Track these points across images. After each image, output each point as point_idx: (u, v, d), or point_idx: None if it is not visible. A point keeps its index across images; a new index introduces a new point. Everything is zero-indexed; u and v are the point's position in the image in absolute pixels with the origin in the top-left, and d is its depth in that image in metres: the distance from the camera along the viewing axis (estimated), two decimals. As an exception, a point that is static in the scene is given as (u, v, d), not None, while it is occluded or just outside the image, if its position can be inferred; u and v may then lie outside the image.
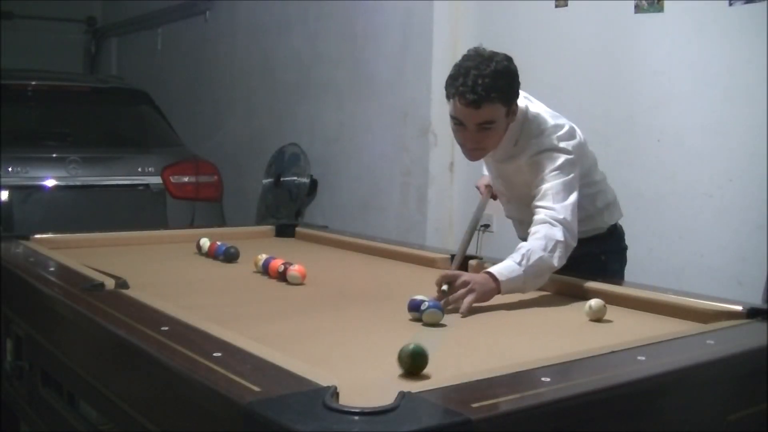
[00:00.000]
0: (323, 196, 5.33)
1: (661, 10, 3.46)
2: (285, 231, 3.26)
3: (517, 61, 2.25)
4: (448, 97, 2.18)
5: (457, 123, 2.18)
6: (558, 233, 2.09)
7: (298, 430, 1.04)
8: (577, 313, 2.02)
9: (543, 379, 1.30)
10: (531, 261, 2.04)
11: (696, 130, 3.38)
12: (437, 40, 4.32)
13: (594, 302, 1.91)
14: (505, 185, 2.51)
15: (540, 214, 2.14)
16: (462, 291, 1.96)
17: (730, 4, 3.22)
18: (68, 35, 8.62)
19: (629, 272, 3.16)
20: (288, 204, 5.47)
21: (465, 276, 2.01)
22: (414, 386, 1.20)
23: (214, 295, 2.18)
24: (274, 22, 5.76)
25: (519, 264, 2.03)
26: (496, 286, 2.01)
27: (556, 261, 2.08)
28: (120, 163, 4.77)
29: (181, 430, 1.37)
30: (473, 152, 2.26)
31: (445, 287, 1.98)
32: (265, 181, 5.70)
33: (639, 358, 1.46)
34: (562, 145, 2.22)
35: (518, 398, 1.24)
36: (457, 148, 2.42)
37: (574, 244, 2.14)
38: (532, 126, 2.26)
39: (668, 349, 1.58)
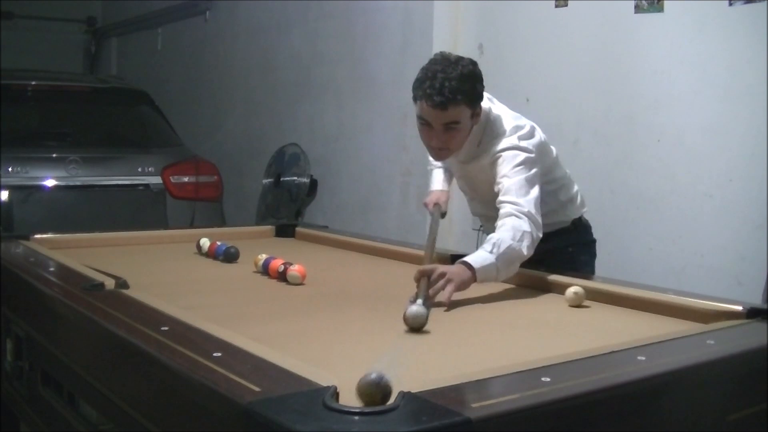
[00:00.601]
0: (323, 196, 5.33)
1: (661, 10, 3.46)
2: (285, 231, 3.26)
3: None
4: (415, 99, 2.26)
5: (424, 123, 2.26)
6: (524, 224, 2.16)
7: (298, 430, 1.04)
8: (577, 313, 2.02)
9: (543, 379, 1.30)
10: (501, 249, 2.11)
11: (696, 130, 3.39)
12: (437, 40, 4.32)
13: (575, 288, 2.03)
14: (468, 185, 2.59)
15: (506, 208, 2.21)
16: (441, 282, 2.01)
17: (730, 4, 3.22)
18: (68, 35, 8.63)
19: (630, 272, 3.17)
20: (288, 204, 5.47)
21: (441, 268, 2.06)
22: (414, 386, 1.20)
23: (214, 295, 2.18)
24: (274, 22, 5.77)
25: (491, 252, 2.10)
26: (472, 274, 2.06)
27: (525, 250, 2.15)
28: (120, 163, 4.77)
29: (181, 430, 1.37)
30: (439, 152, 2.34)
31: (420, 301, 1.91)
32: (265, 181, 5.70)
33: (639, 358, 1.46)
34: (522, 144, 2.31)
35: (518, 398, 1.24)
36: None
37: (540, 235, 2.22)
38: (495, 127, 2.35)
39: (668, 349, 1.58)
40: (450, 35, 4.35)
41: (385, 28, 4.70)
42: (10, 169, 4.33)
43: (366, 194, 4.92)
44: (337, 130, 5.16)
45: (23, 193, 4.38)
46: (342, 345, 1.66)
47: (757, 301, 2.57)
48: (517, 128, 2.35)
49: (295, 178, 5.41)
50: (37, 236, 2.76)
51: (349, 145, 5.06)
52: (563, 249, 2.52)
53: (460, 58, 2.25)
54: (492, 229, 2.46)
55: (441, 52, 2.31)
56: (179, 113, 6.39)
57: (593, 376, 1.37)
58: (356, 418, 1.09)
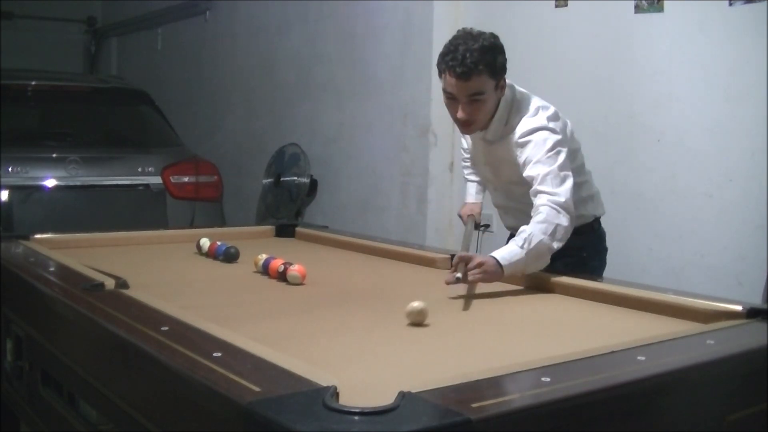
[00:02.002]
0: (323, 196, 5.33)
1: (661, 10, 3.46)
2: (285, 231, 3.26)
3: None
4: (440, 72, 2.35)
5: (450, 97, 2.35)
6: (561, 218, 2.21)
7: (298, 430, 1.04)
8: (577, 313, 2.02)
9: (543, 379, 1.30)
10: (532, 245, 2.17)
11: (696, 130, 3.38)
12: (437, 40, 4.31)
13: (416, 304, 1.83)
14: (493, 171, 2.58)
15: (541, 199, 2.25)
16: (476, 271, 2.15)
17: (730, 4, 3.22)
18: (68, 35, 8.62)
19: (630, 272, 3.16)
20: (288, 204, 5.47)
21: (478, 258, 2.17)
22: (414, 386, 1.20)
23: (214, 295, 2.18)
24: (274, 22, 5.76)
25: (521, 248, 2.18)
26: (501, 270, 2.16)
27: (556, 244, 2.21)
28: (120, 163, 4.77)
29: (181, 430, 1.37)
30: (466, 126, 2.40)
31: (459, 275, 2.15)
32: (265, 181, 5.70)
33: (639, 358, 1.46)
34: (551, 125, 2.35)
35: (518, 398, 1.24)
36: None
37: (573, 225, 2.27)
38: (522, 105, 2.41)
39: (668, 349, 1.58)
40: (450, 35, 4.32)
41: (385, 28, 4.70)
42: (10, 169, 4.32)
43: (366, 194, 4.92)
44: (337, 130, 5.16)
45: (23, 193, 4.38)
46: (342, 345, 1.66)
47: (757, 301, 2.57)
48: (545, 108, 2.40)
49: (295, 178, 5.41)
50: (37, 236, 2.76)
51: (349, 145, 5.06)
52: (577, 252, 2.49)
53: (481, 33, 2.33)
54: (509, 221, 2.62)
55: (463, 27, 2.39)
56: (179, 113, 6.39)
57: (593, 376, 1.37)
58: (356, 418, 1.09)
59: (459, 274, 2.12)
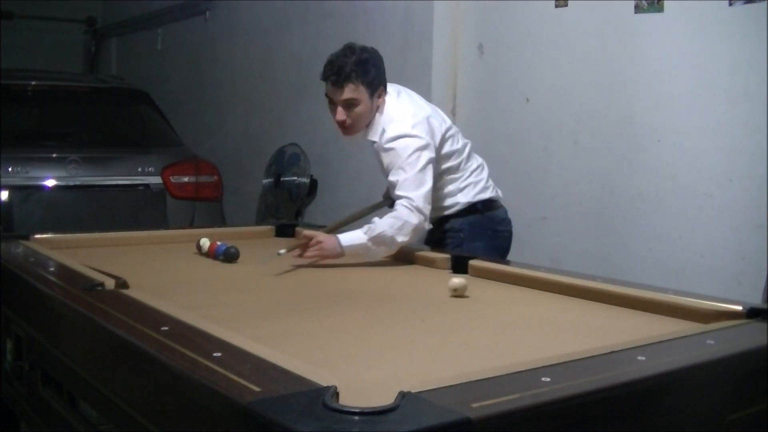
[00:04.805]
0: (323, 196, 5.33)
1: (661, 10, 3.46)
2: (285, 231, 3.26)
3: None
4: (322, 79, 2.69)
5: (330, 102, 2.69)
6: (412, 217, 2.54)
7: (298, 430, 1.04)
8: (576, 313, 2.02)
9: (543, 379, 1.30)
10: (374, 233, 2.53)
11: (696, 130, 3.38)
12: (437, 40, 4.32)
13: (457, 280, 2.11)
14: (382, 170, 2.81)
15: (400, 201, 2.56)
16: (312, 250, 2.54)
17: (730, 4, 3.22)
18: (68, 35, 8.62)
19: (630, 272, 3.17)
20: (288, 204, 5.47)
21: (320, 237, 2.56)
22: (414, 386, 1.20)
23: (214, 295, 2.18)
24: (274, 22, 5.76)
25: (365, 233, 2.55)
26: (342, 250, 2.54)
27: (401, 237, 2.55)
28: (120, 163, 4.77)
29: (181, 430, 1.37)
30: (344, 128, 2.72)
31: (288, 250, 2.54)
32: (265, 181, 5.70)
33: (639, 358, 1.46)
34: (414, 131, 2.61)
35: (518, 398, 1.24)
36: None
37: (427, 226, 2.61)
38: (394, 113, 2.66)
39: (668, 349, 1.58)
40: (450, 35, 4.35)
41: (385, 28, 4.70)
42: (10, 169, 4.33)
43: (366, 194, 4.91)
44: (337, 130, 5.15)
45: (23, 193, 4.38)
46: (342, 345, 1.66)
47: (757, 301, 2.57)
48: (413, 116, 2.65)
49: (295, 178, 5.41)
50: (37, 236, 2.76)
51: (349, 145, 5.03)
52: (458, 230, 2.82)
53: (363, 48, 2.67)
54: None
55: (348, 43, 2.72)
56: (179, 113, 6.39)
57: (593, 376, 1.37)
58: (356, 418, 1.09)
59: (283, 251, 2.49)
